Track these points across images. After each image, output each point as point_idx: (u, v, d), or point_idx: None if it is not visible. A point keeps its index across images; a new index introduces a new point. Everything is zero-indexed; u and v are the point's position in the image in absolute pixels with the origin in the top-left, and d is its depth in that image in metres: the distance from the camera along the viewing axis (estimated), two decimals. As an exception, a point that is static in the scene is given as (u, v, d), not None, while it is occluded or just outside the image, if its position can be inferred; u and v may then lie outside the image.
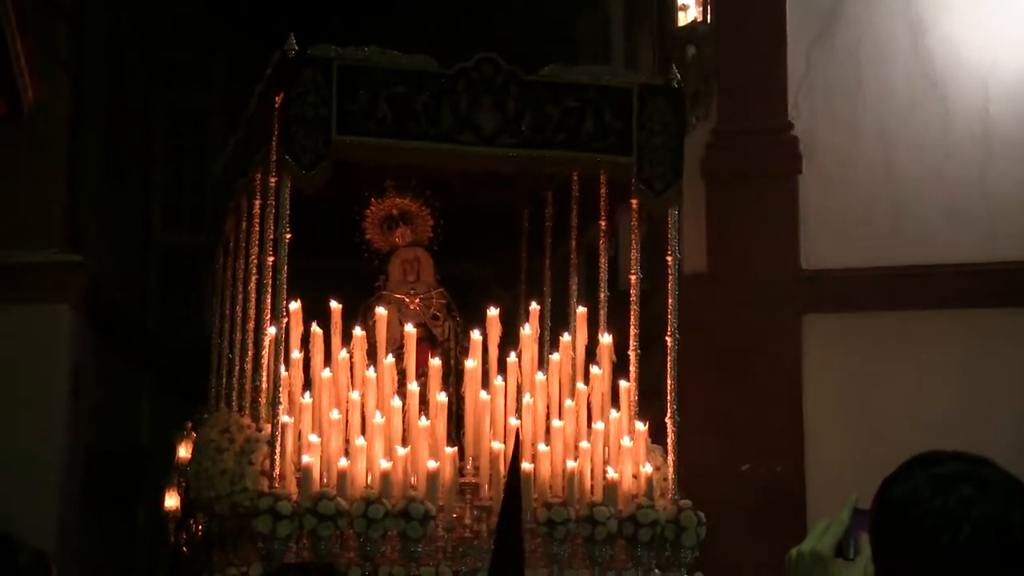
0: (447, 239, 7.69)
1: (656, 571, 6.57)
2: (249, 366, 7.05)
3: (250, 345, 7.05)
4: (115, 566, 10.93)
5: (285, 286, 6.36)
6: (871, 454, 7.92)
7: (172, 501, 7.80)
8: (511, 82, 6.63)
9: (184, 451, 7.70)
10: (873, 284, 8.51)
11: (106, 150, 11.09)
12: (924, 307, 8.46)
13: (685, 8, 9.30)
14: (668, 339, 6.72)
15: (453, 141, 6.60)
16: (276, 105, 6.42)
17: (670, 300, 6.75)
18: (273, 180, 6.46)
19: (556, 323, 7.54)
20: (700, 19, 9.21)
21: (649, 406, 6.86)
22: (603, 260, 7.18)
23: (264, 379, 6.72)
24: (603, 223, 7.21)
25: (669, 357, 6.70)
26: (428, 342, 7.29)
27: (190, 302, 12.13)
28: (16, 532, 6.64)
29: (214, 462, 6.83)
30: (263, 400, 6.76)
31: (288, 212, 6.34)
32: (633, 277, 6.85)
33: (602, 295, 7.16)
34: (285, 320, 6.44)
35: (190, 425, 7.79)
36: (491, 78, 6.61)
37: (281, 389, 6.40)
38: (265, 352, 6.60)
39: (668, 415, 6.70)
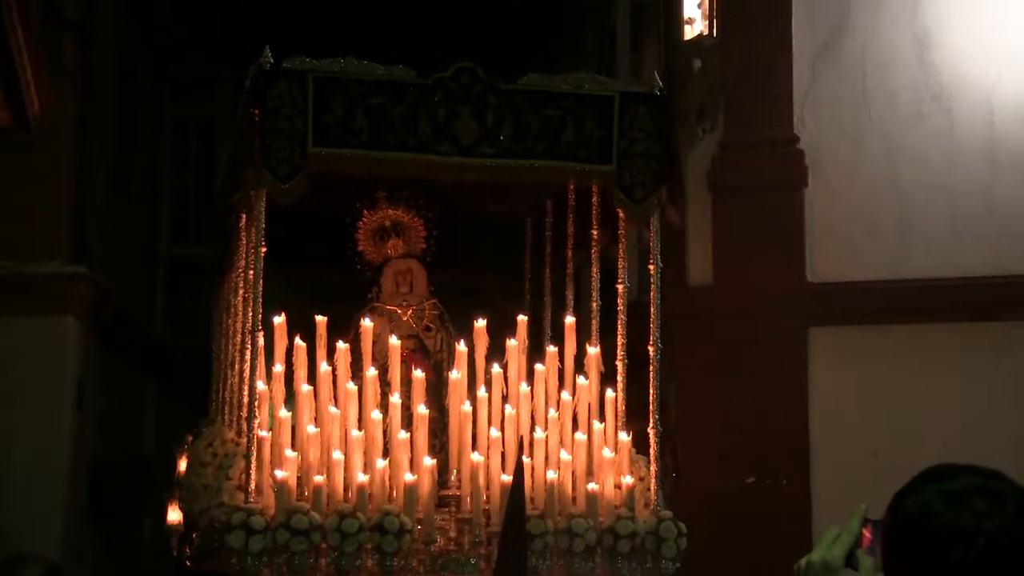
0: (454, 250, 7.64)
1: (638, 583, 6.50)
2: (235, 379, 7.02)
3: (236, 358, 7.02)
4: (121, 577, 10.92)
5: (261, 300, 6.29)
6: (877, 466, 7.92)
7: (175, 515, 7.76)
8: (489, 91, 6.55)
9: (183, 464, 7.67)
10: (879, 296, 8.50)
11: (112, 161, 11.10)
12: (930, 319, 8.44)
13: (691, 21, 9.32)
14: (650, 349, 6.68)
15: (431, 152, 6.50)
16: (255, 119, 6.38)
17: (652, 309, 6.70)
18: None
19: (557, 335, 7.50)
20: (706, 32, 9.22)
21: (644, 417, 6.81)
22: (595, 269, 7.13)
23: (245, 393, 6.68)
24: (595, 232, 7.18)
25: (651, 368, 6.64)
26: (421, 353, 7.26)
27: (196, 313, 12.12)
28: (27, 545, 6.63)
29: (198, 476, 6.79)
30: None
31: (264, 226, 6.29)
32: (620, 286, 6.80)
33: (594, 304, 7.11)
34: (261, 334, 6.38)
35: (190, 438, 7.76)
36: (469, 88, 6.53)
37: (261, 403, 6.37)
38: (246, 366, 6.55)
39: (650, 425, 6.65)
